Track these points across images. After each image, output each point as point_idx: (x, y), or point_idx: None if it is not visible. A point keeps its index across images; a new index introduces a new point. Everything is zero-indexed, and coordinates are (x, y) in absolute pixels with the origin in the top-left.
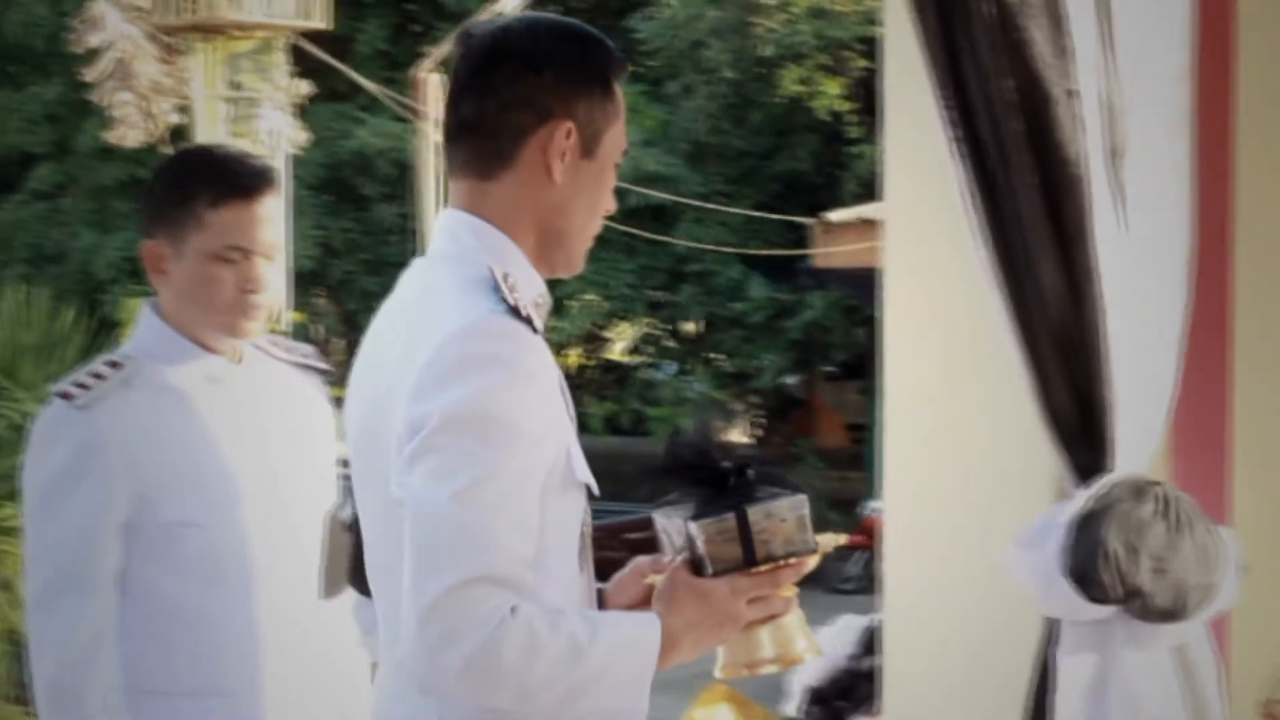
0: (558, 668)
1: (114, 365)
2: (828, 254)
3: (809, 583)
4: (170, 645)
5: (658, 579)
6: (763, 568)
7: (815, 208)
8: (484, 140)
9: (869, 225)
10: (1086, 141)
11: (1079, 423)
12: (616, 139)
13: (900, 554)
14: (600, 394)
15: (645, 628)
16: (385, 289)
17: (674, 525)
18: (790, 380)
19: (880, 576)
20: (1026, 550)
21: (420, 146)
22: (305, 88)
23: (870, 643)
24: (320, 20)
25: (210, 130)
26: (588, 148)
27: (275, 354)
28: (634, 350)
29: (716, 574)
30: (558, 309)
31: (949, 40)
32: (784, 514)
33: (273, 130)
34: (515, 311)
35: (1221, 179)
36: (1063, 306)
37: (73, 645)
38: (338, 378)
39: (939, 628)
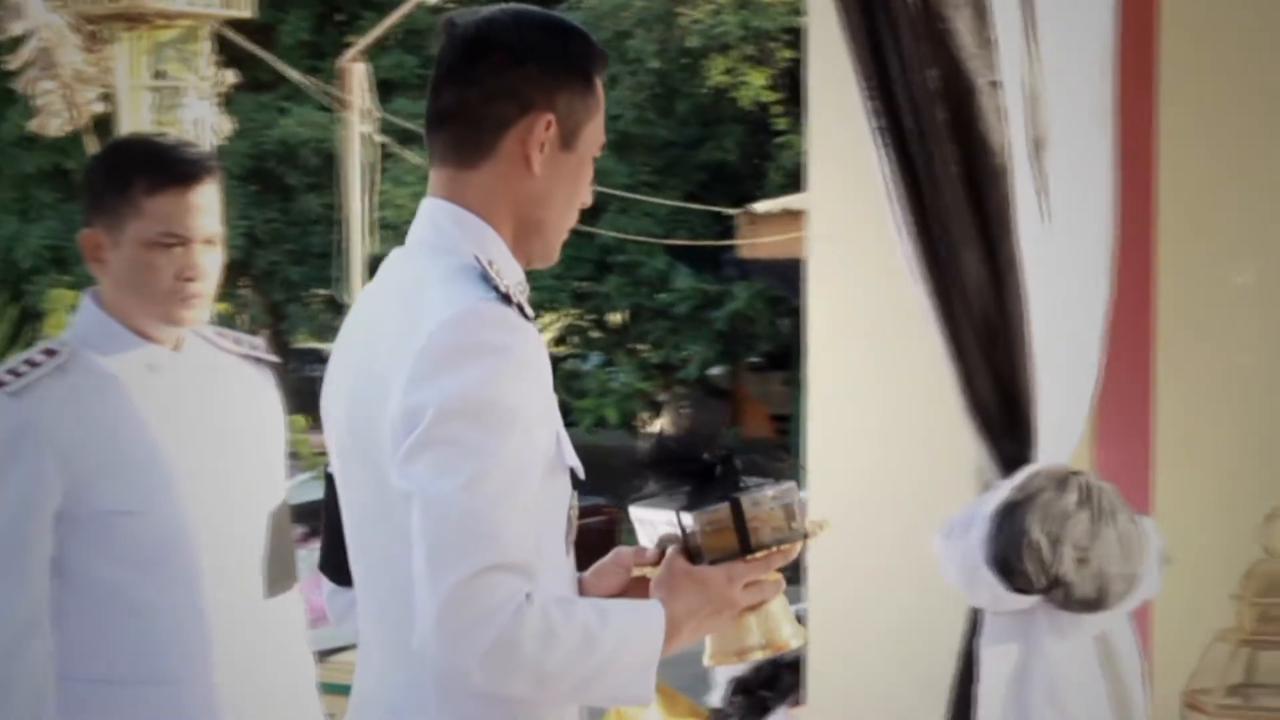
0: (573, 654)
1: (49, 353)
2: (753, 245)
3: None
4: (108, 634)
5: (643, 570)
6: (757, 555)
7: (741, 198)
8: (465, 129)
9: (794, 216)
10: (1010, 132)
11: (1002, 413)
12: (595, 133)
13: (824, 544)
14: None
15: (651, 614)
16: (310, 279)
17: (655, 516)
18: (715, 371)
19: (805, 567)
20: (950, 541)
21: (345, 136)
22: (230, 77)
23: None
24: (244, 9)
25: (134, 119)
26: (567, 140)
27: (222, 345)
28: (559, 341)
29: (712, 562)
30: None
31: (873, 31)
32: (774, 502)
33: (197, 119)
34: (506, 298)
35: (1144, 169)
36: (986, 297)
37: (3, 634)
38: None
39: (864, 618)
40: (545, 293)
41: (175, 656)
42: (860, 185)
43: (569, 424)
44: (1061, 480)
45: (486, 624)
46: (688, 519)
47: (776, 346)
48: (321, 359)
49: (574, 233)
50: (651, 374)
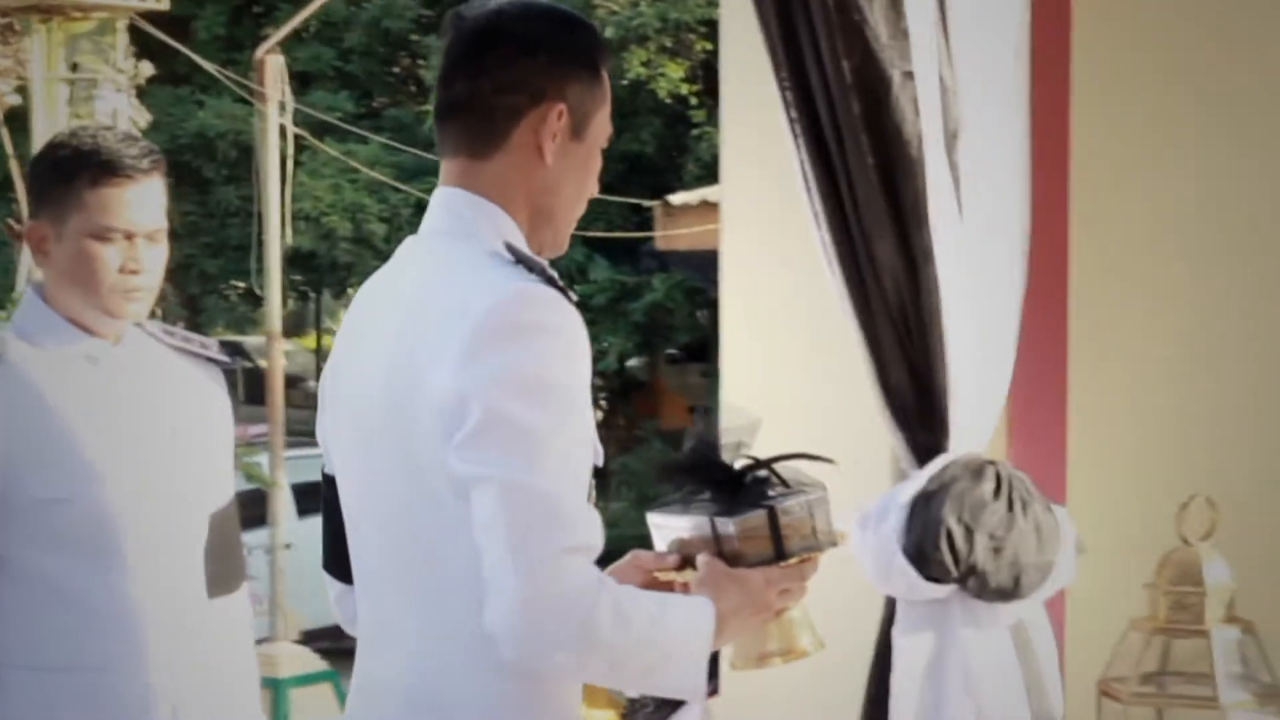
0: (641, 640)
1: None
2: (670, 236)
3: None
4: (43, 621)
5: (667, 575)
6: (791, 561)
7: (658, 190)
8: (477, 120)
9: (711, 207)
10: (924, 123)
11: (917, 403)
12: (603, 123)
13: None
14: None
15: (703, 609)
16: (227, 272)
17: (675, 522)
18: (634, 363)
19: None
20: (866, 531)
21: (262, 129)
22: (146, 69)
23: None
24: (160, 1)
25: (49, 112)
26: (577, 130)
27: (169, 342)
28: None
29: (749, 567)
30: None
31: (787, 22)
32: (808, 509)
33: (113, 112)
34: (552, 281)
35: (1058, 160)
36: (900, 288)
37: None
38: None
39: None
40: None
41: (107, 645)
42: (775, 176)
43: None
44: (977, 470)
45: (572, 605)
46: (726, 524)
47: (694, 338)
48: (240, 351)
49: None
50: None
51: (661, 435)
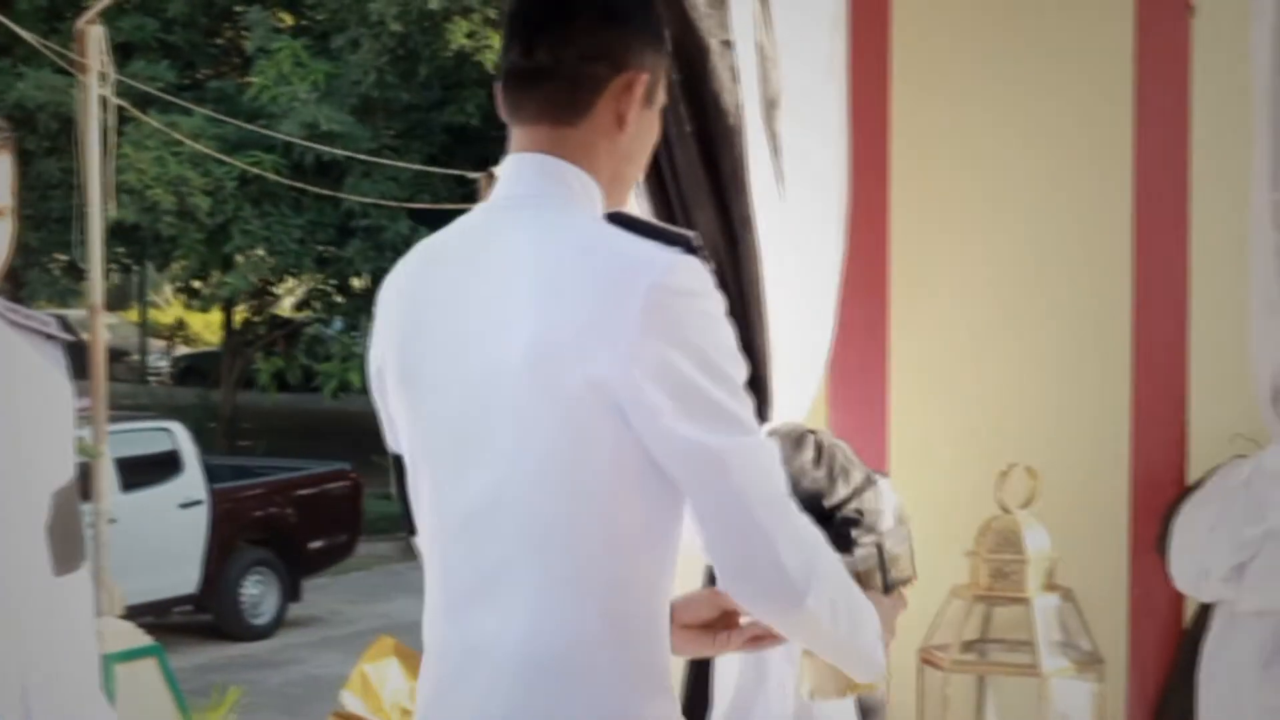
0: (851, 601)
1: None
2: None
3: None
4: None
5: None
6: (894, 593)
7: (483, 161)
8: (562, 87)
9: None
10: (743, 92)
11: None
12: (664, 88)
13: None
14: (268, 350)
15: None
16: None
17: None
18: None
19: None
20: None
21: (83, 100)
22: None
23: None
24: None
25: None
26: (650, 97)
27: (8, 319)
28: (302, 306)
29: None
30: (225, 264)
31: None
32: (902, 545)
33: None
34: (695, 250)
35: (878, 129)
36: (720, 256)
37: None
38: None
39: None
40: (288, 257)
41: None
42: None
43: (311, 389)
44: (797, 439)
45: (820, 554)
46: (845, 560)
47: None
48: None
49: (316, 197)
50: None
51: None
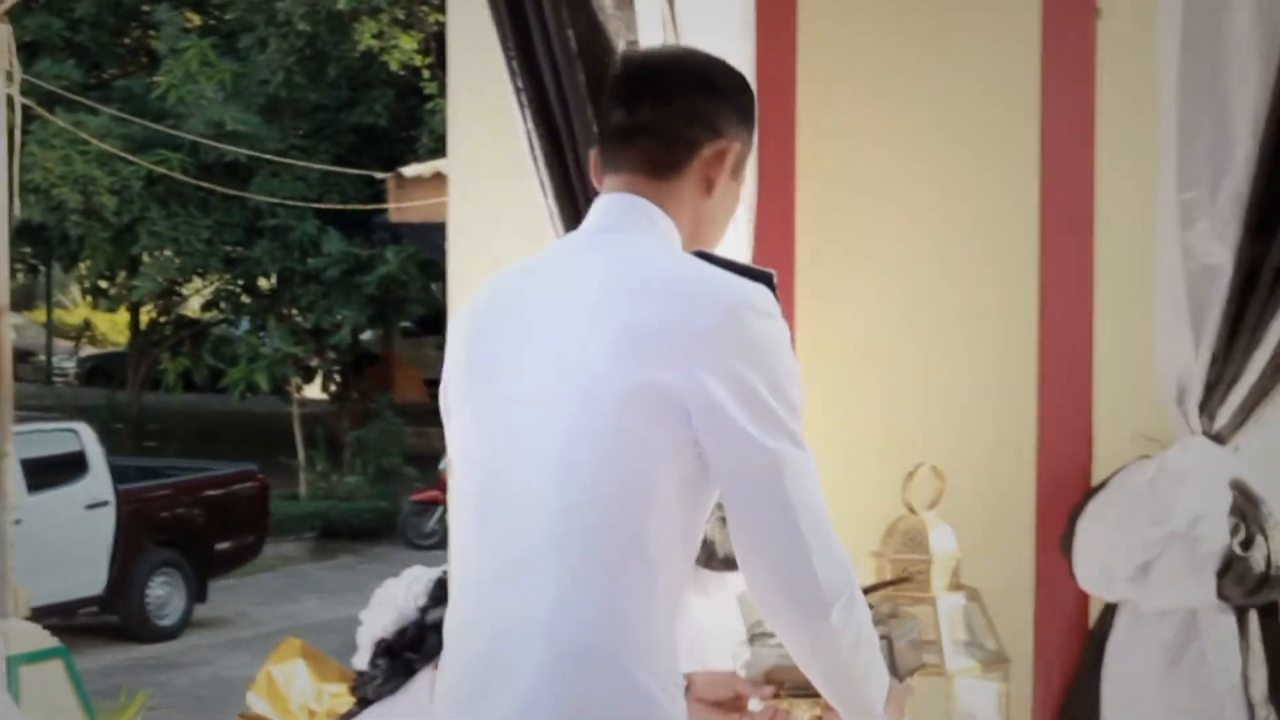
0: (874, 646)
1: None
2: (402, 208)
3: (390, 538)
4: None
5: (767, 700)
6: (903, 682)
7: (391, 162)
8: (660, 145)
9: (443, 179)
10: None
11: None
12: (748, 168)
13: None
14: (175, 351)
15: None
16: None
17: (768, 651)
18: (368, 335)
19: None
20: None
21: None
22: None
23: (440, 594)
24: None
25: None
26: (736, 169)
27: None
28: (209, 306)
29: None
30: (132, 264)
31: None
32: (909, 639)
33: None
34: (771, 285)
35: (785, 130)
36: None
37: None
38: None
39: None
40: (195, 258)
41: None
42: (503, 147)
43: (218, 389)
44: None
45: (852, 577)
46: None
47: (429, 310)
48: None
49: (223, 197)
50: (303, 339)
51: (396, 408)
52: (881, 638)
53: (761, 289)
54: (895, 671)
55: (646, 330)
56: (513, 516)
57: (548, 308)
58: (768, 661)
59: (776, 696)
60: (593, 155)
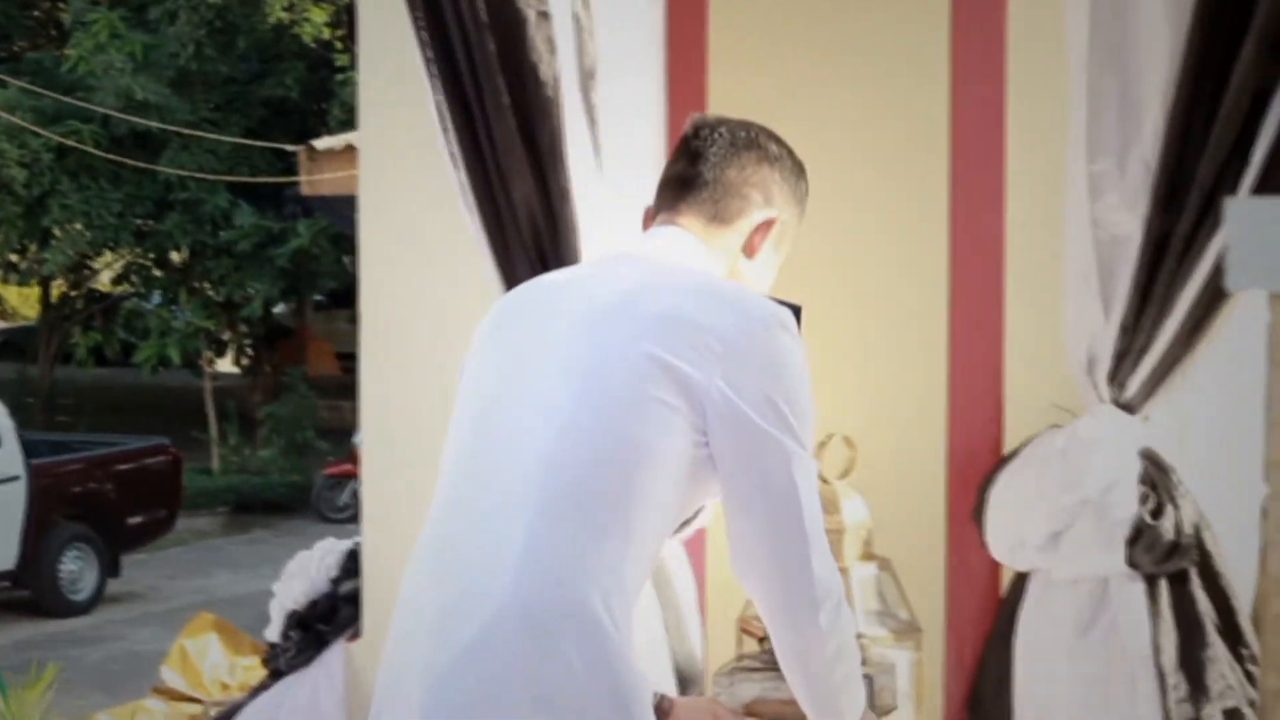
0: (855, 662)
1: None
2: (314, 181)
3: (303, 512)
4: None
5: None
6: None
7: (303, 135)
8: (716, 198)
9: (354, 152)
10: (559, 63)
11: None
12: (789, 249)
13: (378, 480)
14: (86, 325)
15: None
16: None
17: (748, 685)
18: (280, 309)
19: (360, 502)
20: None
21: None
22: None
23: (352, 566)
24: None
25: None
26: (779, 242)
27: None
28: (120, 280)
29: None
30: (43, 239)
31: None
32: (885, 683)
33: None
34: (796, 312)
35: (695, 99)
36: (539, 227)
37: None
38: None
39: None
40: (106, 231)
41: None
42: (411, 118)
43: (129, 364)
44: None
45: (840, 586)
46: None
47: (341, 284)
48: None
49: (134, 170)
50: (215, 312)
51: (308, 382)
52: (865, 676)
53: (789, 313)
54: (872, 707)
55: (678, 320)
56: (505, 452)
57: (589, 284)
58: (750, 694)
59: None
60: (646, 210)
